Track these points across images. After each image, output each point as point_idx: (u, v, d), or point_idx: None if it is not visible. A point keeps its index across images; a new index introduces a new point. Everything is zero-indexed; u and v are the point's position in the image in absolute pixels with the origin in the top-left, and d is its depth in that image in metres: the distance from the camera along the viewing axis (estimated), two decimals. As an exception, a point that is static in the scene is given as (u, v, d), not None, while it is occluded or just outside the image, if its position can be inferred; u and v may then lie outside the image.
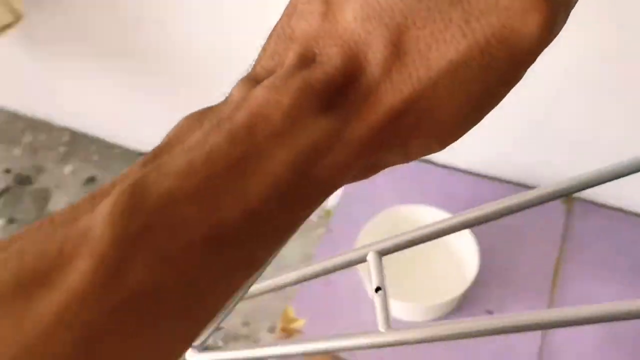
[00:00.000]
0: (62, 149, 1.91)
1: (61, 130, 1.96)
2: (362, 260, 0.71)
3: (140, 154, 1.84)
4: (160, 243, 0.23)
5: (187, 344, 0.27)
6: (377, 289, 0.68)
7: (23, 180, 1.82)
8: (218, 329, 0.80)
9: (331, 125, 0.25)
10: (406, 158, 0.28)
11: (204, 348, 0.75)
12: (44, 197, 1.75)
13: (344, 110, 0.25)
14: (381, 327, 0.65)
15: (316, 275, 0.74)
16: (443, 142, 0.27)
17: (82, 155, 1.89)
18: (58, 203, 1.81)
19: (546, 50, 0.26)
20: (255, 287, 0.76)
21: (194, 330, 0.27)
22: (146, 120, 1.84)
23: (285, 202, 0.25)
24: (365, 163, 0.27)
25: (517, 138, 1.63)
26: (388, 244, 0.71)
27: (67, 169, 1.86)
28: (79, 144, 1.92)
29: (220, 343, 0.77)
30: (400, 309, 1.41)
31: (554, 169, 1.61)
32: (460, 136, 0.28)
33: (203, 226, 0.24)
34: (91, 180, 1.83)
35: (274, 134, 0.24)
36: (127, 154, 1.90)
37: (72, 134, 1.95)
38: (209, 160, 0.24)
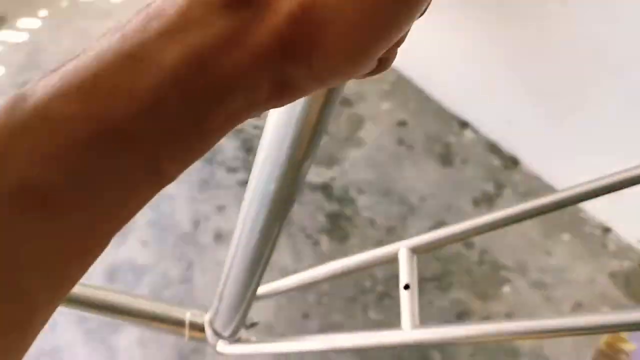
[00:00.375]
0: (385, 86, 1.94)
1: (389, 71, 2.02)
2: (394, 257, 0.69)
3: (458, 119, 1.85)
4: (41, 140, 0.22)
5: (88, 251, 0.25)
6: (406, 287, 0.65)
7: (343, 102, 1.89)
8: (253, 324, 0.80)
9: (230, 26, 0.23)
10: (315, 76, 0.26)
11: (235, 340, 0.74)
12: (358, 121, 1.85)
13: (245, 14, 0.24)
14: (406, 325, 0.62)
15: (348, 272, 0.72)
16: (350, 59, 0.25)
17: (401, 98, 1.91)
18: (368, 131, 1.85)
19: None
20: (282, 283, 0.75)
21: (97, 235, 0.25)
22: (480, 90, 1.78)
23: (184, 100, 0.24)
24: (271, 76, 0.25)
25: None
26: (421, 241, 0.68)
27: (385, 105, 1.90)
28: (401, 86, 1.94)
29: (253, 338, 0.77)
30: None
31: None
32: (370, 55, 0.25)
33: (90, 123, 0.22)
34: (402, 124, 1.87)
35: (167, 30, 0.23)
36: (440, 112, 1.90)
37: (399, 76, 1.95)
38: (96, 59, 0.23)
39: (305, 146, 0.41)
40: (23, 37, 2.12)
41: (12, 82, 1.94)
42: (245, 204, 0.51)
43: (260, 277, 0.61)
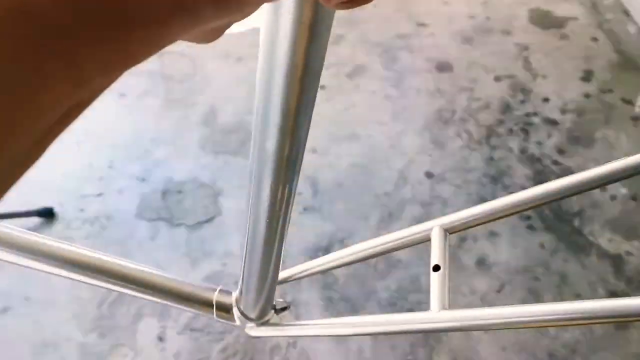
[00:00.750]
0: None
1: None
2: (426, 238, 0.64)
3: None
4: None
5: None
6: (436, 268, 0.61)
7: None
8: (284, 308, 0.77)
9: None
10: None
11: (262, 323, 0.72)
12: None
13: None
14: (435, 308, 0.58)
15: (377, 254, 0.68)
16: None
17: None
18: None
19: None
20: (310, 265, 0.72)
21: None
22: None
23: None
24: None
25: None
26: (456, 219, 0.63)
27: None
28: None
29: (283, 321, 0.75)
30: None
31: None
32: None
33: None
34: None
35: None
36: None
37: None
38: None
39: (296, 96, 0.38)
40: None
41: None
42: (250, 171, 0.48)
43: (279, 255, 0.57)
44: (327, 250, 1.52)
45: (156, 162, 1.87)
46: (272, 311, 0.73)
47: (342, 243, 1.52)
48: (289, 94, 0.37)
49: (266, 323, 0.72)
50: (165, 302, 0.69)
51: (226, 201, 1.70)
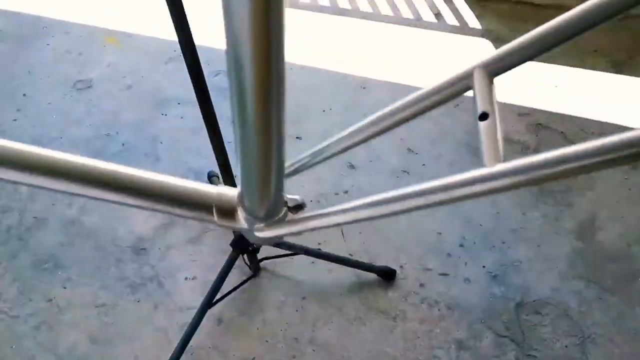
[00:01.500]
0: None
1: None
2: (468, 86, 0.52)
3: None
4: None
5: None
6: (483, 116, 0.49)
7: None
8: (298, 206, 0.65)
9: None
10: None
11: (274, 222, 0.60)
12: None
13: None
14: (488, 162, 0.46)
15: (415, 115, 0.56)
16: None
17: None
18: None
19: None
20: (334, 139, 0.60)
21: None
22: None
23: None
24: None
25: None
26: (498, 57, 0.51)
27: None
28: None
29: (297, 216, 0.64)
30: None
31: None
32: None
33: None
34: None
35: None
36: None
37: None
38: None
39: None
40: None
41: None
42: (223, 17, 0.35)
43: (280, 134, 0.45)
44: None
45: (513, 262, 1.57)
46: (285, 209, 0.61)
47: None
48: None
49: (279, 221, 0.60)
50: (153, 206, 0.57)
51: (597, 352, 1.35)
